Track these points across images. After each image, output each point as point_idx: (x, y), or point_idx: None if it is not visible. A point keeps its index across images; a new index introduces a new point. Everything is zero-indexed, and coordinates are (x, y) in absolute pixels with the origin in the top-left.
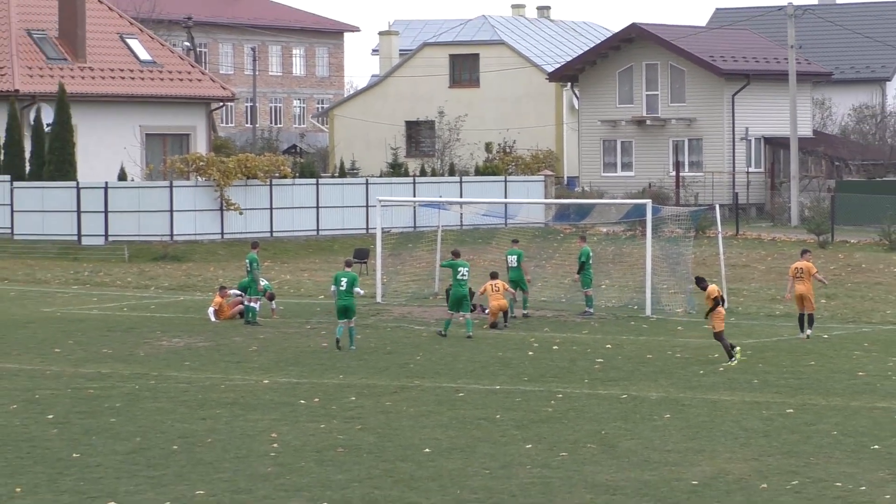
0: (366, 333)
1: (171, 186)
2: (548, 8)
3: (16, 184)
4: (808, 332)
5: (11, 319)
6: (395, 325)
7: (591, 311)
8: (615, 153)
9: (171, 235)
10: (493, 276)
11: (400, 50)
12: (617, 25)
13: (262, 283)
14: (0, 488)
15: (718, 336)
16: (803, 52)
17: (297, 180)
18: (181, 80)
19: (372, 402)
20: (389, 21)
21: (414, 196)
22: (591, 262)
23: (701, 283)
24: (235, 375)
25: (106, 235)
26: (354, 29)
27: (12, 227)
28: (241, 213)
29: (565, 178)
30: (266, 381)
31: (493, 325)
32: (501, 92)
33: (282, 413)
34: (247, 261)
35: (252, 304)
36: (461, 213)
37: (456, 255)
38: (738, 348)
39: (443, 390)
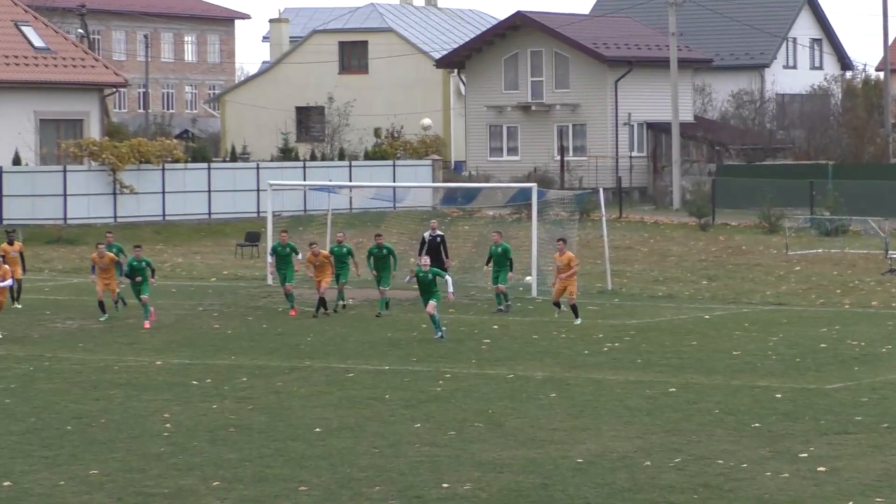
0: (256, 315)
1: (64, 171)
2: None
3: None
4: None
5: None
6: (286, 307)
7: (508, 304)
8: (501, 138)
9: (65, 219)
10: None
11: (290, 37)
12: (503, 13)
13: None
14: None
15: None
16: (684, 39)
17: (189, 165)
18: (74, 66)
19: (263, 383)
20: (280, 8)
21: (304, 180)
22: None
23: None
24: (128, 357)
25: (0, 219)
26: (245, 16)
27: None
28: (135, 194)
29: (452, 163)
30: (159, 363)
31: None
32: (390, 78)
33: (174, 394)
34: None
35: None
36: (350, 197)
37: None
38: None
39: (333, 371)
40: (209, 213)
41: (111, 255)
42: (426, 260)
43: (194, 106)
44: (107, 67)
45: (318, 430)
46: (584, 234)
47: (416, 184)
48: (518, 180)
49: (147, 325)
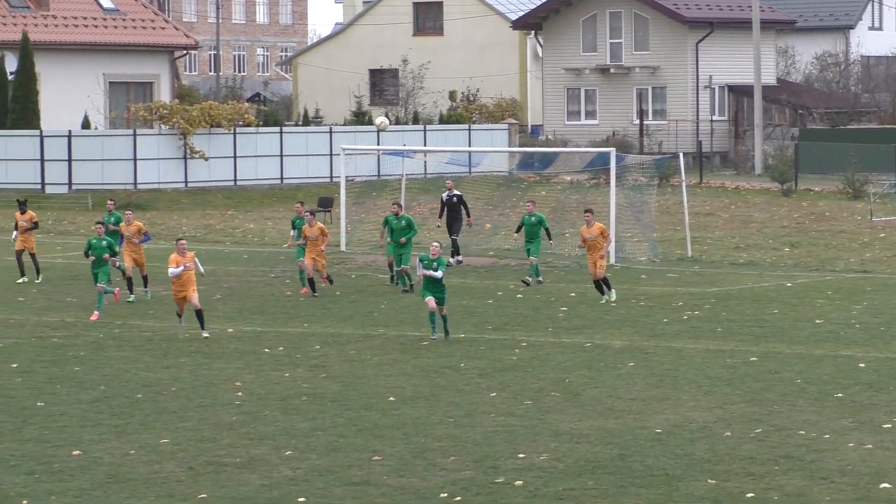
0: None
1: (134, 135)
2: None
3: None
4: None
5: None
6: (359, 274)
7: (538, 279)
8: (579, 101)
9: (135, 184)
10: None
11: None
12: None
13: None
14: None
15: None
16: None
17: (261, 129)
18: (144, 28)
19: (336, 351)
20: None
21: (378, 144)
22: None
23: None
24: (196, 326)
25: (69, 184)
26: None
27: None
28: (206, 160)
29: (529, 127)
30: (230, 330)
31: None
32: (465, 40)
33: (246, 362)
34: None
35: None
36: (425, 162)
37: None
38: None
39: (407, 339)
40: (281, 178)
41: (139, 223)
42: (436, 246)
43: (266, 68)
44: (177, 29)
45: (391, 399)
46: (664, 199)
47: (492, 148)
48: (596, 145)
49: (95, 316)
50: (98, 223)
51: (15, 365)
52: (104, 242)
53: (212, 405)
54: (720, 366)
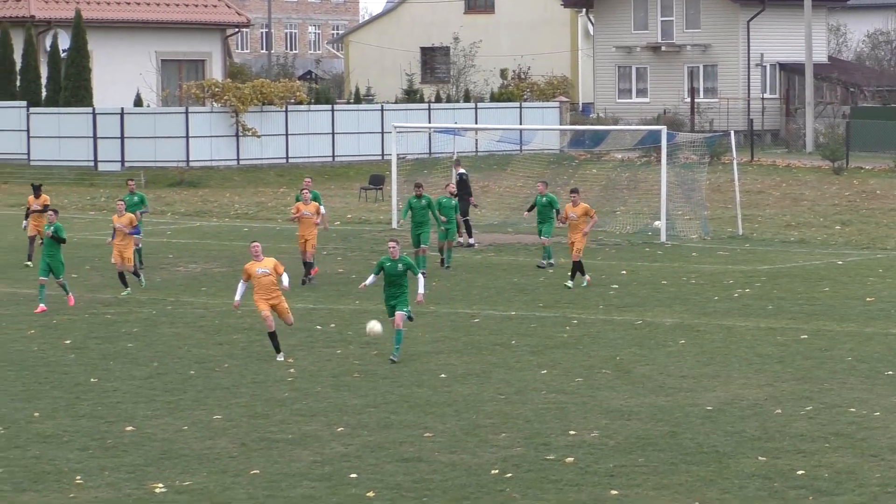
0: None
1: (186, 112)
2: None
3: (32, 110)
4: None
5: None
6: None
7: (550, 262)
8: (630, 79)
9: (187, 161)
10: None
11: None
12: None
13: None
14: (18, 412)
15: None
16: None
17: (313, 106)
18: (196, 5)
19: (388, 328)
20: None
21: (429, 122)
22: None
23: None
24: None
25: (122, 161)
26: None
27: (28, 153)
28: (259, 138)
29: (580, 105)
30: None
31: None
32: (516, 17)
33: (298, 339)
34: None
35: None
36: (476, 140)
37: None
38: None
39: (458, 316)
40: (333, 156)
41: (131, 215)
42: (394, 247)
43: (318, 46)
44: (229, 7)
45: (443, 376)
46: (715, 177)
47: (543, 126)
48: (647, 123)
49: (40, 308)
50: (52, 210)
51: (69, 341)
52: (51, 228)
53: (264, 381)
54: (771, 343)
